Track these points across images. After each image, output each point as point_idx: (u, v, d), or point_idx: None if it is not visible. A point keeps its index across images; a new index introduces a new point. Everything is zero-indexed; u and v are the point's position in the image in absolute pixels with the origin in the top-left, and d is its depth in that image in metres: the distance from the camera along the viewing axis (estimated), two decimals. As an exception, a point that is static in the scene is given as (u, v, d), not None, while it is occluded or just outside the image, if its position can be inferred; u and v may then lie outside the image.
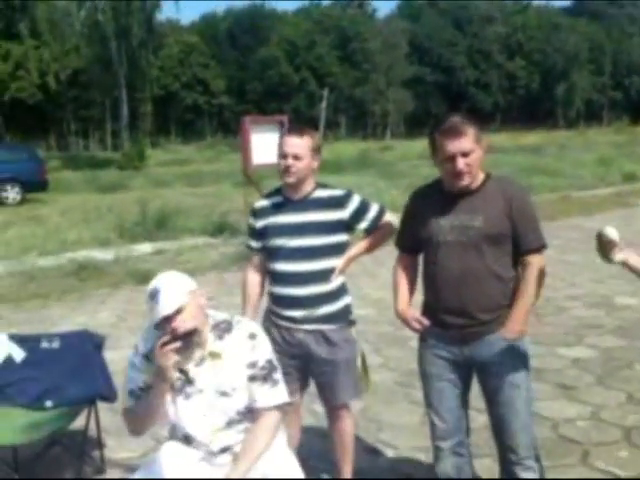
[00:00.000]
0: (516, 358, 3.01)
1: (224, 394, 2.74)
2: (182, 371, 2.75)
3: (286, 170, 3.28)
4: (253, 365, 2.75)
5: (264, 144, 9.70)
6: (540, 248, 3.00)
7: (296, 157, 3.26)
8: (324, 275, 3.35)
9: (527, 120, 72.51)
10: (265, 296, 3.56)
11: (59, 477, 4.09)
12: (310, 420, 4.51)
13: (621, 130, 49.23)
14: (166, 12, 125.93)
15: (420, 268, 3.20)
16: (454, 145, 2.82)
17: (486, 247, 2.92)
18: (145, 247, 11.76)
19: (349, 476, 3.65)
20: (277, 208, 3.39)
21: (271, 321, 3.44)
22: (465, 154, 2.83)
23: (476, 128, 2.88)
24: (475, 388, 3.20)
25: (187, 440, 2.82)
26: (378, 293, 7.90)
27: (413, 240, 3.13)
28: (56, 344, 4.17)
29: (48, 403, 4.02)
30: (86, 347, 4.14)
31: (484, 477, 3.72)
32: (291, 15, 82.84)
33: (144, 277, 9.57)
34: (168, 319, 2.60)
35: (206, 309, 2.78)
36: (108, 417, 4.60)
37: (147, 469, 2.82)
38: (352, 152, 35.55)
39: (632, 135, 41.60)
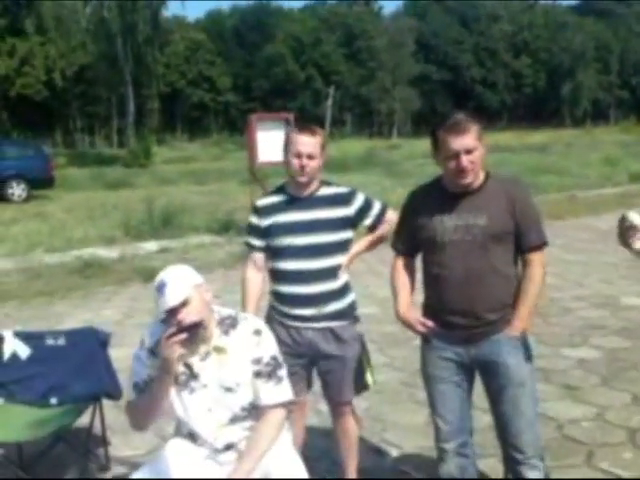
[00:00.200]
0: (521, 357, 3.00)
1: (228, 389, 2.74)
2: (187, 365, 2.75)
3: (301, 170, 3.27)
4: (258, 361, 2.76)
5: (270, 142, 9.71)
6: (542, 245, 3.00)
7: (310, 156, 3.26)
8: (332, 272, 3.36)
9: (533, 119, 72.41)
10: (264, 295, 3.55)
11: (64, 474, 4.10)
12: (314, 419, 4.51)
13: (628, 129, 49.02)
14: (172, 9, 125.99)
15: (418, 269, 3.19)
16: (458, 142, 2.81)
17: (491, 246, 2.91)
18: (151, 245, 11.77)
19: (354, 476, 3.65)
20: (283, 206, 3.37)
21: (277, 321, 3.41)
22: (469, 151, 2.82)
23: (479, 126, 2.87)
24: (479, 388, 3.19)
25: (192, 437, 2.83)
26: (383, 292, 7.84)
27: (412, 241, 3.11)
28: (61, 341, 4.17)
29: (53, 400, 4.03)
30: (91, 344, 4.14)
31: (488, 477, 3.71)
32: (297, 12, 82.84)
33: (149, 275, 9.57)
34: (174, 311, 2.62)
35: (212, 304, 2.79)
36: (113, 415, 4.60)
37: (152, 467, 2.81)
38: (358, 150, 35.53)
39: (639, 134, 41.45)
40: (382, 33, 75.09)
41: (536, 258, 2.97)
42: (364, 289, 8.08)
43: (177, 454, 2.79)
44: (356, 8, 79.73)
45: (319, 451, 4.06)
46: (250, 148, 10.64)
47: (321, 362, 3.44)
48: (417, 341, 3.26)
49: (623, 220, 2.83)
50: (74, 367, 4.09)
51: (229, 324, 2.80)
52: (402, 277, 3.18)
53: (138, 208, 14.29)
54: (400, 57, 73.78)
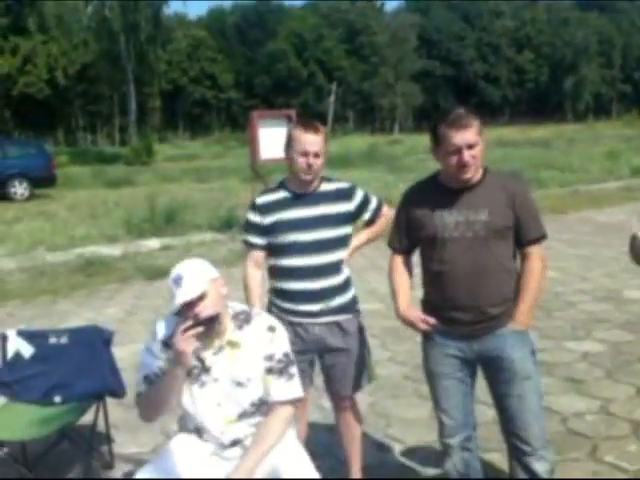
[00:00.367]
0: (525, 350, 3.01)
1: (239, 384, 2.75)
2: (199, 359, 2.76)
3: (308, 168, 3.27)
4: (270, 358, 2.78)
5: (272, 139, 9.69)
6: (541, 238, 3.00)
7: (316, 155, 3.27)
8: (336, 267, 3.39)
9: (536, 113, 72.25)
10: (264, 293, 3.54)
11: (68, 472, 4.11)
12: (317, 415, 4.51)
13: (630, 123, 48.96)
14: (174, 7, 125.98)
15: (416, 264, 3.18)
16: (460, 137, 2.80)
17: (493, 241, 2.91)
18: (153, 243, 11.77)
19: (359, 472, 3.66)
20: (287, 203, 3.36)
21: (281, 319, 3.42)
22: (470, 146, 2.81)
23: (479, 121, 2.87)
24: (483, 382, 3.19)
25: (198, 432, 2.83)
26: (385, 287, 7.80)
27: (410, 239, 3.11)
28: (64, 339, 4.17)
29: (57, 399, 4.03)
30: (94, 342, 4.13)
31: (493, 471, 3.71)
32: (299, 9, 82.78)
33: (152, 273, 9.60)
34: (190, 305, 2.63)
35: (226, 299, 2.80)
36: (117, 412, 4.62)
37: (157, 464, 2.81)
38: (360, 146, 35.50)
39: (641, 128, 41.39)
40: (384, 29, 75.04)
41: (535, 251, 2.98)
42: (366, 284, 8.08)
43: (182, 450, 2.80)
44: (358, 4, 79.65)
45: (322, 447, 4.06)
46: (252, 145, 10.63)
47: (326, 356, 3.45)
48: (420, 337, 3.25)
49: (634, 239, 2.83)
50: (77, 365, 4.08)
51: (243, 319, 2.83)
52: (401, 275, 3.18)
53: (140, 206, 14.29)
54: (402, 53, 73.73)
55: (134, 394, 2.88)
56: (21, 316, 7.77)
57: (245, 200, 13.27)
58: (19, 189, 21.24)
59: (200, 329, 2.62)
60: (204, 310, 2.64)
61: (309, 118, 3.58)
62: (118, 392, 4.07)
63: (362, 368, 3.52)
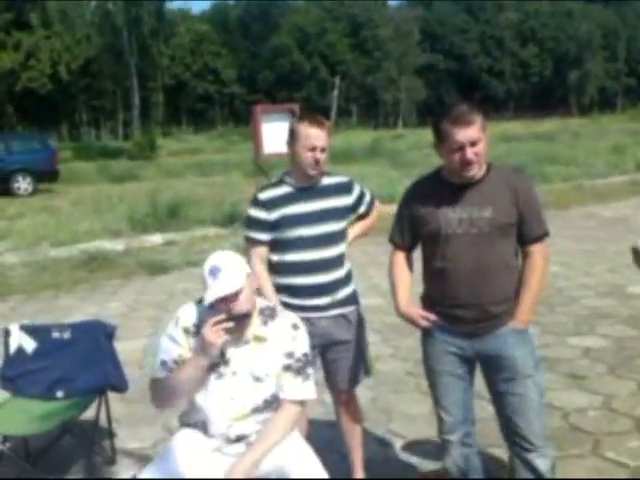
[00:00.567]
0: (526, 349, 2.99)
1: (257, 379, 2.78)
2: (220, 350, 2.77)
3: (316, 163, 3.28)
4: (290, 355, 2.81)
5: (275, 133, 9.67)
6: (543, 236, 2.98)
7: (323, 149, 3.29)
8: (340, 260, 3.43)
9: (540, 107, 72.03)
10: None
11: (70, 467, 4.11)
12: (319, 410, 4.50)
13: (635, 117, 48.76)
14: (177, 1, 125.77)
15: (417, 259, 3.17)
16: (463, 134, 2.77)
17: (497, 238, 2.89)
18: (156, 238, 11.79)
19: (361, 466, 3.68)
20: (291, 198, 3.36)
21: None
22: (473, 143, 2.79)
23: (482, 117, 2.84)
24: (482, 377, 3.18)
25: (204, 425, 2.83)
26: (387, 283, 7.84)
27: (412, 235, 3.10)
28: (67, 334, 4.17)
29: (59, 393, 4.04)
30: (97, 337, 4.14)
31: (493, 466, 3.71)
32: (302, 3, 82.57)
33: (155, 268, 9.62)
34: (225, 299, 2.65)
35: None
36: (119, 407, 4.63)
37: (160, 464, 2.80)
38: (364, 141, 35.45)
39: (647, 122, 41.27)
40: (387, 22, 74.79)
41: (538, 249, 2.96)
42: (368, 280, 8.09)
43: (185, 448, 2.79)
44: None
45: (324, 442, 4.05)
46: (255, 140, 10.59)
47: (331, 349, 3.47)
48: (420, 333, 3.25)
49: (637, 252, 2.83)
50: (80, 360, 4.09)
51: (268, 315, 2.86)
52: (401, 272, 3.16)
53: (143, 201, 14.30)
54: (406, 46, 73.48)
55: (149, 379, 2.89)
56: (24, 311, 7.79)
57: (248, 195, 13.21)
58: (22, 184, 21.27)
59: (231, 324, 2.67)
60: (239, 306, 2.68)
61: (313, 112, 3.58)
62: (120, 387, 4.08)
63: (362, 360, 3.55)
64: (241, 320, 2.72)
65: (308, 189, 3.37)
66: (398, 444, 4.26)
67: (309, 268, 3.34)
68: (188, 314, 2.84)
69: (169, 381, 2.77)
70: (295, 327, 2.87)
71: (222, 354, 2.77)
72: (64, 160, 27.37)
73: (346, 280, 3.47)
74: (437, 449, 3.65)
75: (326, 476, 2.77)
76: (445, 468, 3.23)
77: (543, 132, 36.59)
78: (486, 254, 2.89)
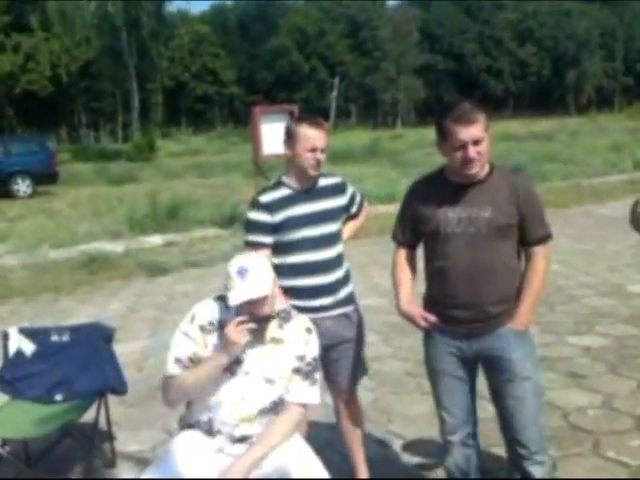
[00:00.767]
0: (525, 350, 2.98)
1: (269, 381, 2.79)
2: None
3: (317, 164, 3.32)
4: (301, 359, 2.84)
5: (274, 134, 9.67)
6: (546, 238, 2.97)
7: (323, 150, 3.32)
8: (340, 260, 3.46)
9: (539, 107, 72.02)
10: None
11: (69, 470, 4.11)
12: (319, 411, 4.49)
13: (633, 116, 48.71)
14: (176, 3, 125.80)
15: (420, 258, 3.16)
16: (466, 133, 2.76)
17: (495, 238, 2.87)
18: (156, 239, 11.79)
19: (364, 467, 3.67)
20: (293, 200, 3.36)
21: None
22: (476, 142, 2.78)
23: (485, 116, 2.83)
24: (483, 377, 3.18)
25: (209, 424, 2.83)
26: (388, 282, 7.81)
27: (414, 233, 3.09)
28: (66, 337, 4.17)
29: (58, 396, 4.03)
30: (96, 340, 4.14)
31: (493, 466, 3.70)
32: (301, 4, 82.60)
33: (155, 269, 9.62)
34: (252, 302, 2.67)
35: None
36: (118, 410, 4.62)
37: (161, 463, 2.80)
38: (363, 141, 35.44)
39: (645, 121, 41.23)
40: (386, 23, 74.82)
41: (540, 251, 2.94)
42: (369, 280, 8.09)
43: (185, 449, 2.78)
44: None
45: (324, 442, 4.04)
46: (254, 141, 10.62)
47: (334, 349, 3.46)
48: (422, 333, 3.24)
49: (637, 204, 2.77)
50: (79, 363, 4.08)
51: (284, 318, 2.89)
52: (403, 270, 3.15)
53: (143, 202, 14.29)
54: (404, 47, 73.56)
55: (162, 376, 2.88)
56: (23, 313, 7.78)
57: (248, 196, 13.25)
58: (22, 186, 21.28)
59: (254, 325, 2.70)
60: (264, 310, 2.72)
61: (311, 114, 3.59)
62: (120, 390, 4.06)
63: (361, 359, 3.58)
64: (263, 323, 2.76)
65: (307, 190, 3.38)
66: (398, 444, 4.25)
67: (312, 269, 3.36)
68: (205, 311, 2.85)
69: (185, 378, 2.78)
70: (309, 331, 2.90)
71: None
72: (63, 162, 27.35)
73: (346, 280, 3.50)
74: (437, 449, 3.65)
75: (328, 476, 2.77)
76: (446, 468, 3.23)
77: (541, 131, 36.58)
78: (484, 254, 2.87)
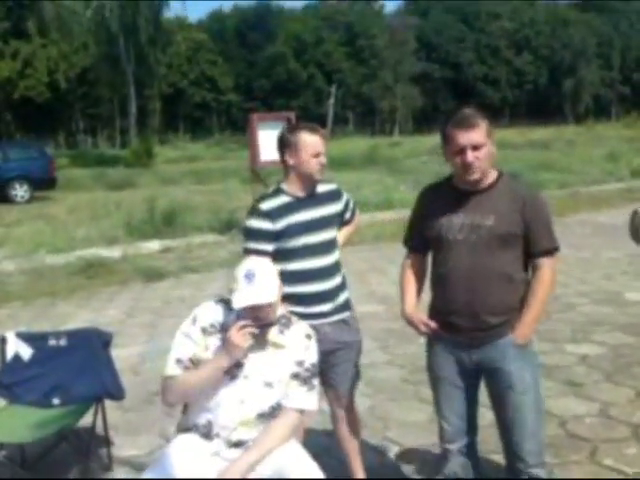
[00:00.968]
0: (524, 363, 2.96)
1: (268, 385, 2.80)
2: None
3: (322, 169, 3.36)
4: (301, 364, 2.85)
5: (271, 141, 9.67)
6: (553, 250, 2.95)
7: (324, 154, 3.36)
8: (338, 266, 3.49)
9: (535, 115, 72.07)
10: None
11: (66, 475, 4.10)
12: (316, 418, 4.48)
13: (630, 125, 48.77)
14: (174, 10, 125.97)
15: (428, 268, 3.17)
16: (465, 137, 2.78)
17: (496, 247, 2.86)
18: (153, 245, 11.79)
19: (361, 473, 3.67)
20: (293, 207, 3.37)
21: None
22: (476, 147, 2.79)
23: (487, 122, 2.84)
24: (482, 384, 3.18)
25: (207, 427, 2.83)
26: (386, 289, 7.88)
27: (422, 239, 3.10)
28: (63, 342, 4.17)
29: (55, 401, 4.03)
30: (93, 345, 4.13)
31: (492, 474, 3.69)
32: (298, 12, 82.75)
33: (152, 274, 9.61)
34: (257, 307, 2.69)
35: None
36: (116, 415, 4.62)
37: (157, 466, 2.80)
38: (361, 148, 35.47)
39: (642, 130, 41.31)
40: (384, 31, 75.00)
41: (546, 263, 2.92)
42: (366, 287, 8.09)
43: (182, 452, 2.78)
44: (357, 7, 79.60)
45: (321, 449, 4.04)
46: (251, 148, 10.64)
47: (332, 354, 3.45)
48: (421, 339, 3.26)
49: (636, 215, 2.78)
50: (76, 368, 4.09)
51: (284, 323, 2.90)
52: (411, 276, 3.16)
53: (140, 208, 14.29)
54: (402, 55, 73.66)
55: (162, 376, 2.88)
56: (21, 318, 7.77)
57: (245, 202, 13.26)
58: (20, 191, 21.26)
59: (257, 330, 2.72)
60: (267, 316, 2.75)
61: (306, 122, 3.61)
62: (117, 394, 4.07)
63: (357, 365, 3.59)
64: (266, 328, 2.78)
65: (307, 198, 3.40)
66: (395, 451, 4.25)
67: (313, 276, 3.37)
68: (207, 313, 2.87)
69: (185, 379, 2.79)
70: (308, 337, 2.92)
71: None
72: (61, 168, 27.32)
73: (343, 286, 3.53)
74: (434, 457, 3.64)
75: (324, 478, 2.77)
76: (444, 476, 3.22)
77: (538, 140, 36.63)
78: (484, 262, 2.87)
